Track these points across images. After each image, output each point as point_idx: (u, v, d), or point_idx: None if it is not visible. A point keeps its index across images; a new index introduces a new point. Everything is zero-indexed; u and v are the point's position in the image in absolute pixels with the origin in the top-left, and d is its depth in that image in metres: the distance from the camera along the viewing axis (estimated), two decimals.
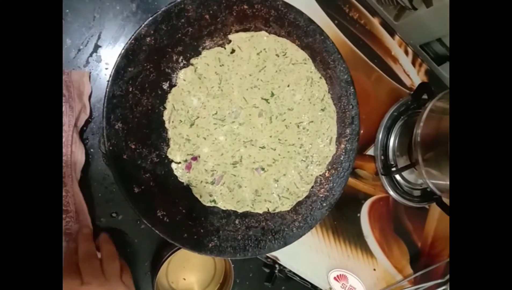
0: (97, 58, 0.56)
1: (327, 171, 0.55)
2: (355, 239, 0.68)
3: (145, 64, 0.47)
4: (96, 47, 0.56)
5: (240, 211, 0.52)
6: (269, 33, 0.53)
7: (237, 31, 0.52)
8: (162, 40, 0.48)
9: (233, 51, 0.52)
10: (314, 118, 0.55)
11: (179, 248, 0.54)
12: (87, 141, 0.55)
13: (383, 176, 0.68)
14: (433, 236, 0.74)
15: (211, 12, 0.50)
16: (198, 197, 0.51)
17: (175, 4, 0.47)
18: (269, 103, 0.53)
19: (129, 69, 0.46)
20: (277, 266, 0.62)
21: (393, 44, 0.70)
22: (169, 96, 0.49)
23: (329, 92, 0.55)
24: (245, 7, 0.51)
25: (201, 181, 0.51)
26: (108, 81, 0.44)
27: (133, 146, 0.47)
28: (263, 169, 0.53)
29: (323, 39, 0.53)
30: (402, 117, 0.68)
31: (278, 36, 0.53)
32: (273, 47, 0.53)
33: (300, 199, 0.54)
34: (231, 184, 0.52)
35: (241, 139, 0.52)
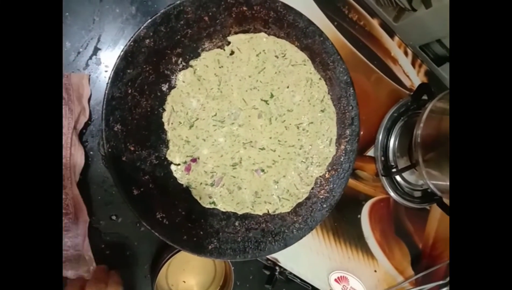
0: (96, 60, 0.56)
1: (327, 172, 0.55)
2: (356, 240, 0.67)
3: (144, 66, 0.47)
4: (96, 49, 0.56)
5: (240, 213, 0.52)
6: (269, 34, 0.53)
7: (236, 33, 0.52)
8: (161, 42, 0.48)
9: (232, 52, 0.52)
10: (314, 119, 0.55)
11: (179, 251, 0.54)
12: (86, 143, 0.55)
13: (383, 177, 0.68)
14: (434, 237, 0.74)
15: (210, 14, 0.50)
16: (198, 199, 0.51)
17: (174, 6, 0.47)
18: (268, 104, 0.53)
19: (128, 71, 0.46)
20: (277, 268, 0.62)
21: (393, 45, 0.70)
22: (168, 98, 0.49)
23: (328, 93, 0.55)
24: (244, 8, 0.51)
25: (201, 183, 0.51)
26: (108, 83, 0.45)
27: (132, 148, 0.47)
28: (263, 170, 0.53)
29: (323, 40, 0.53)
30: (402, 118, 0.68)
31: (278, 37, 0.53)
32: (273, 49, 0.53)
33: (300, 200, 0.54)
34: (231, 186, 0.52)
35: (240, 140, 0.52)
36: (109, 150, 0.45)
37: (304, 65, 0.54)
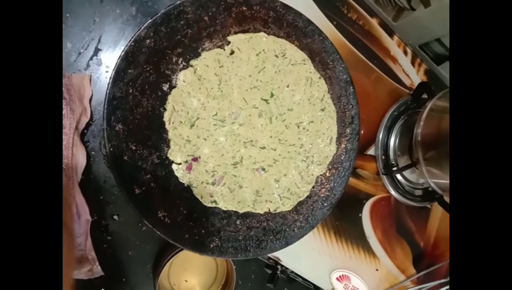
0: (97, 61, 0.56)
1: (328, 171, 0.55)
2: (357, 239, 0.67)
3: (145, 66, 0.48)
4: (97, 50, 0.56)
5: (241, 211, 0.52)
6: (268, 34, 0.53)
7: (236, 33, 0.52)
8: (161, 42, 0.48)
9: (232, 52, 0.52)
10: (314, 118, 0.55)
11: (181, 250, 0.54)
12: (88, 144, 0.55)
13: (384, 176, 0.68)
14: (436, 236, 0.74)
15: (210, 14, 0.50)
16: (199, 198, 0.51)
17: (175, 6, 0.48)
18: (269, 103, 0.54)
19: (129, 71, 0.46)
20: (279, 267, 0.62)
21: (392, 44, 0.70)
22: (169, 98, 0.50)
23: (328, 92, 0.55)
24: (244, 8, 0.51)
25: (202, 182, 0.51)
26: (109, 83, 0.45)
27: (133, 147, 0.47)
28: (263, 169, 0.53)
29: (322, 40, 0.54)
30: (402, 116, 0.68)
31: (277, 37, 0.54)
32: (272, 48, 0.54)
33: (301, 199, 0.54)
34: (232, 185, 0.52)
35: (241, 139, 0.53)
36: (111, 149, 0.45)
37: (304, 64, 0.55)
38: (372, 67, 0.68)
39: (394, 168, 0.67)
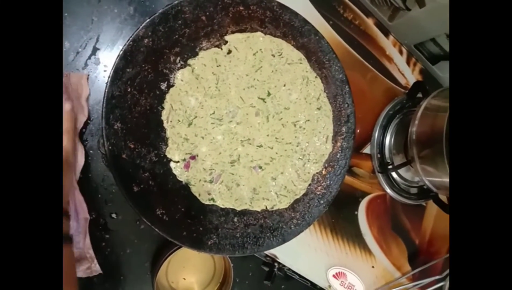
0: (95, 60, 0.56)
1: (324, 169, 0.56)
2: (353, 237, 0.68)
3: (143, 65, 0.48)
4: (95, 49, 0.56)
5: (238, 209, 0.53)
6: (265, 33, 0.54)
7: (233, 32, 0.53)
8: (159, 42, 0.49)
9: (229, 51, 0.53)
10: (310, 117, 0.56)
11: (179, 248, 0.54)
12: (86, 142, 0.56)
13: (379, 174, 0.69)
14: (431, 233, 0.75)
15: (207, 13, 0.51)
16: (197, 196, 0.51)
17: (172, 6, 0.48)
18: (265, 102, 0.54)
19: (128, 70, 0.47)
20: (276, 264, 0.62)
21: (388, 44, 0.71)
22: (167, 96, 0.50)
23: (324, 91, 0.56)
24: (241, 8, 0.52)
25: (200, 180, 0.51)
26: (107, 82, 0.45)
27: (132, 146, 0.47)
28: (260, 167, 0.54)
29: (318, 39, 0.54)
30: (397, 115, 0.69)
31: (274, 36, 0.54)
32: (269, 48, 0.54)
33: (298, 196, 0.55)
34: (229, 183, 0.53)
35: (238, 138, 0.53)
36: (109, 147, 0.45)
37: (300, 63, 0.55)
38: (368, 66, 0.69)
39: (390, 166, 0.67)
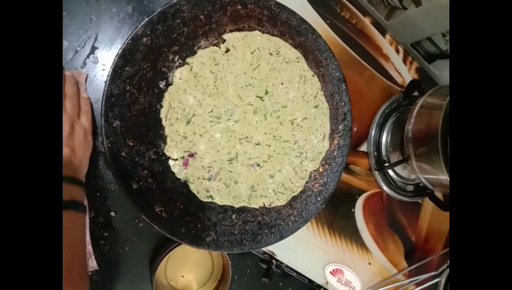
0: (94, 59, 0.57)
1: (321, 167, 0.57)
2: (350, 234, 0.69)
3: (142, 64, 0.48)
4: (93, 48, 0.57)
5: (236, 206, 0.53)
6: (263, 32, 0.54)
7: (231, 31, 0.53)
8: (158, 40, 0.49)
9: (227, 50, 0.53)
10: (308, 115, 0.56)
11: (177, 246, 0.55)
12: None
13: (376, 172, 0.70)
14: (427, 230, 0.76)
15: (205, 12, 0.51)
16: (195, 193, 0.52)
17: (171, 5, 0.49)
18: (263, 100, 0.55)
19: (127, 68, 0.47)
20: (274, 261, 0.63)
21: (384, 42, 0.72)
22: (166, 95, 0.51)
23: (321, 89, 0.57)
24: (239, 7, 0.52)
25: (198, 177, 0.52)
26: (106, 80, 0.46)
27: (131, 144, 0.48)
28: (258, 165, 0.54)
29: (315, 38, 0.55)
30: (394, 113, 0.69)
31: (272, 35, 0.55)
32: (267, 46, 0.55)
33: (295, 194, 0.56)
34: (228, 180, 0.53)
35: (236, 136, 0.54)
36: (109, 145, 0.46)
37: (298, 62, 0.56)
38: (365, 65, 0.70)
39: (386, 164, 0.68)
